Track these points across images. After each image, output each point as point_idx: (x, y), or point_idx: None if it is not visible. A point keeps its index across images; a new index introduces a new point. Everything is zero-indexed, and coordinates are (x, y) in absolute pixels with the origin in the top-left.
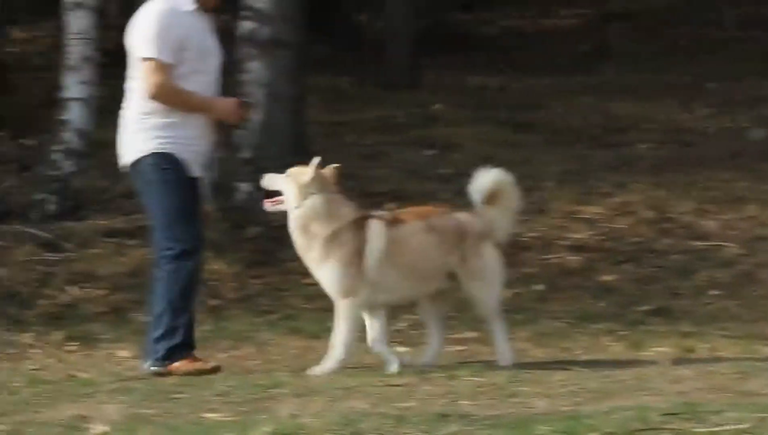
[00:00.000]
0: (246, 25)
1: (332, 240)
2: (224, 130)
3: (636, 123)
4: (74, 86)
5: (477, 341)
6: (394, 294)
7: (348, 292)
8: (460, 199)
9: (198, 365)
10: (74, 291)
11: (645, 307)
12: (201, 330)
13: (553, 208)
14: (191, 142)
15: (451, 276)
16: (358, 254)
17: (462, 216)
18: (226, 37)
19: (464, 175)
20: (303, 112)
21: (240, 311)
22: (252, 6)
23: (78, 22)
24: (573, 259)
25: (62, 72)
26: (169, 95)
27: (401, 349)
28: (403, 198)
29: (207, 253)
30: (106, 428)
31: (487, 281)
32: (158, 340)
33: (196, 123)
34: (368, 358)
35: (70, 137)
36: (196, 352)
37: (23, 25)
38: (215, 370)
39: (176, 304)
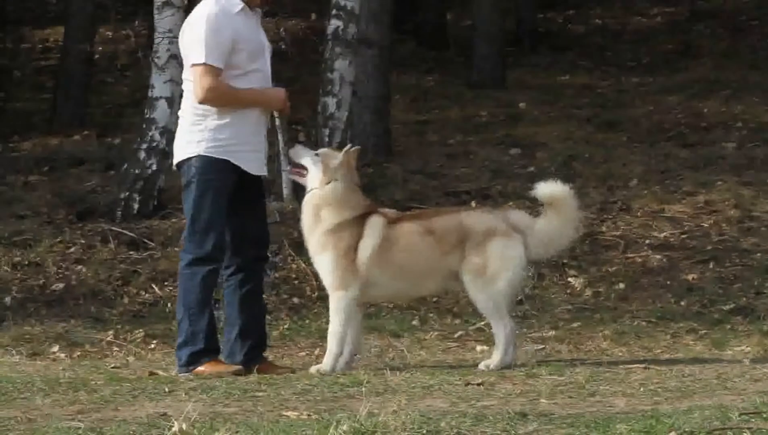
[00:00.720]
0: (334, 24)
1: (335, 231)
2: (309, 129)
3: (721, 122)
4: (160, 85)
5: (556, 340)
6: (384, 291)
7: (340, 285)
8: None
9: (222, 368)
10: (156, 289)
11: (727, 306)
12: (281, 328)
13: (636, 206)
14: (245, 142)
15: (457, 275)
16: (353, 248)
17: (465, 215)
18: (315, 35)
19: (548, 174)
20: (388, 110)
21: (320, 310)
22: (340, 5)
23: (166, 21)
24: (655, 258)
25: (149, 70)
26: (220, 98)
27: (481, 347)
28: (487, 197)
29: (287, 252)
30: (186, 426)
31: (485, 279)
32: (181, 346)
33: (249, 121)
34: (449, 356)
35: (154, 136)
36: (277, 350)
37: (112, 23)
38: (238, 372)
39: (193, 310)
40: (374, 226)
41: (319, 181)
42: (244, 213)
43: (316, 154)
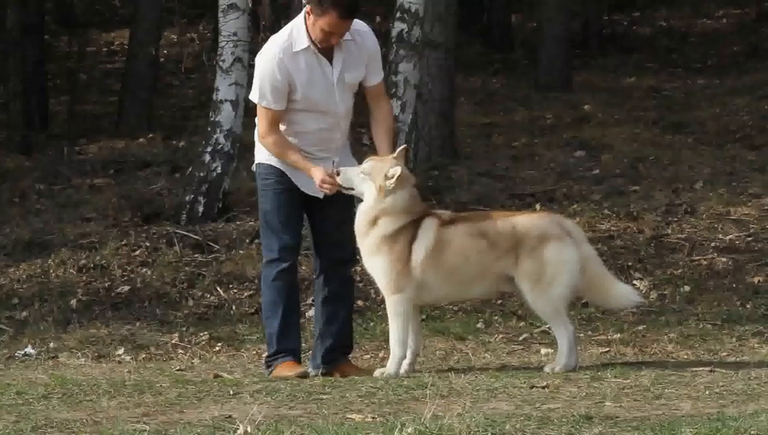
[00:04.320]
0: (398, 26)
1: (392, 236)
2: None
3: None
4: (225, 88)
5: (621, 342)
6: (435, 293)
7: (395, 288)
8: (608, 200)
9: (287, 372)
10: (221, 292)
11: None
12: None
13: (702, 209)
14: (306, 154)
15: (509, 279)
16: (407, 250)
17: (520, 219)
18: (379, 37)
19: (614, 177)
20: (453, 112)
21: (385, 312)
22: (404, 7)
23: (230, 24)
24: (721, 261)
25: (214, 74)
26: (269, 145)
27: (545, 350)
28: (552, 199)
29: None
30: (251, 429)
31: (543, 285)
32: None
33: (307, 141)
34: (513, 359)
35: (219, 139)
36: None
37: (177, 27)
38: (303, 375)
39: (267, 313)
40: (428, 228)
41: (374, 199)
42: (321, 216)
43: (363, 172)
